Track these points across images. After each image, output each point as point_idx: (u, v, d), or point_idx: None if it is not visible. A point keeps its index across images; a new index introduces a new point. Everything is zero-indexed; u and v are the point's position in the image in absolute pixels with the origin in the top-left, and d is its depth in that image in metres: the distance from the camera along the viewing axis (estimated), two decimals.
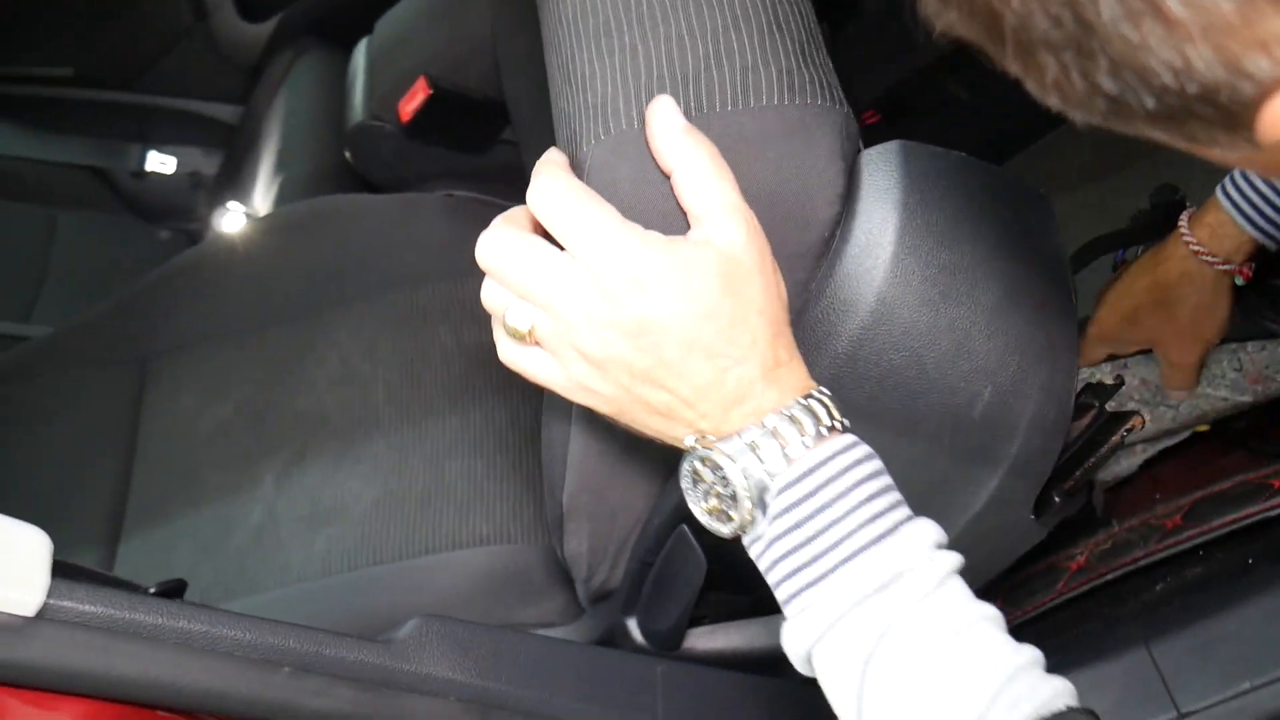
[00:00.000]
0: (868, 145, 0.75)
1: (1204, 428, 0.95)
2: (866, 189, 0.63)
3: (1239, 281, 0.83)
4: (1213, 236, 0.81)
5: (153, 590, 0.65)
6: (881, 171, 0.63)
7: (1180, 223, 0.83)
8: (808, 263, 0.65)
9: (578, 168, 0.64)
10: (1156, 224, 0.88)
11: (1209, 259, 0.81)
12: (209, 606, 0.64)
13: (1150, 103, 0.34)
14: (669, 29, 0.64)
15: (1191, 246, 0.82)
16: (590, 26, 0.67)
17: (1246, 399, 0.92)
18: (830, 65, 0.67)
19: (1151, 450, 0.96)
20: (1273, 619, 0.76)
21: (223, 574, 1.05)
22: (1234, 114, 0.33)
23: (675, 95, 0.63)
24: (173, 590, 0.67)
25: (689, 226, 0.59)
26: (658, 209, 0.63)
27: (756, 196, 0.63)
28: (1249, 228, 0.78)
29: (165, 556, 1.07)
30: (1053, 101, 0.36)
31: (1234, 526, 0.81)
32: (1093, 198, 1.14)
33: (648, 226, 0.64)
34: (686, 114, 0.62)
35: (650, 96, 0.63)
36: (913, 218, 0.62)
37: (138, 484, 1.13)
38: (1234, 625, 0.77)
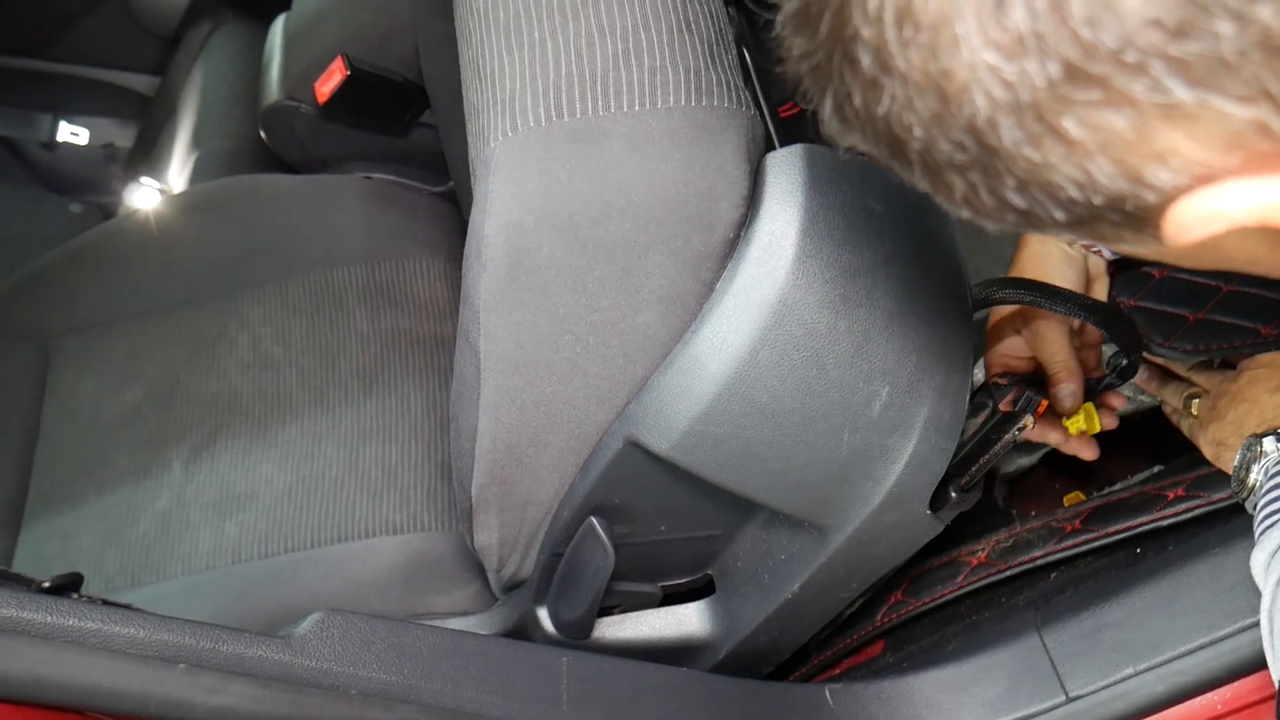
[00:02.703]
0: (787, 137, 0.76)
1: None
2: (770, 192, 0.64)
3: (1108, 254, 0.85)
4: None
5: (46, 585, 0.64)
6: (785, 175, 0.64)
7: None
8: (713, 264, 0.65)
9: (484, 164, 0.64)
10: None
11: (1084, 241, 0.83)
12: (102, 602, 0.63)
13: (1059, 215, 0.35)
14: (579, 26, 0.64)
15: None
16: (501, 21, 0.66)
17: (1146, 399, 0.95)
18: (738, 67, 0.68)
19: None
20: (1157, 608, 0.79)
21: (129, 562, 1.03)
22: (1139, 219, 0.34)
23: (583, 94, 0.63)
24: (67, 585, 0.66)
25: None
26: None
27: (662, 198, 0.63)
28: None
29: (68, 544, 1.05)
30: (964, 214, 0.37)
31: (1128, 534, 0.84)
32: None
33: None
34: (594, 113, 0.62)
35: (559, 94, 0.63)
36: (815, 221, 0.63)
37: (40, 469, 1.10)
38: (1121, 613, 0.80)
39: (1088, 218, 0.35)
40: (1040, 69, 0.31)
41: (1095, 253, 0.86)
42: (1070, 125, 0.32)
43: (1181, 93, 0.30)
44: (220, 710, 0.62)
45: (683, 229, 0.63)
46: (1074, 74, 0.31)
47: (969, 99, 0.32)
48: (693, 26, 0.65)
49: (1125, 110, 0.31)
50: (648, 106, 0.62)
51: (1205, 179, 0.32)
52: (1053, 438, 0.86)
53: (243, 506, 1.04)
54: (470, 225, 0.65)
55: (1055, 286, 0.82)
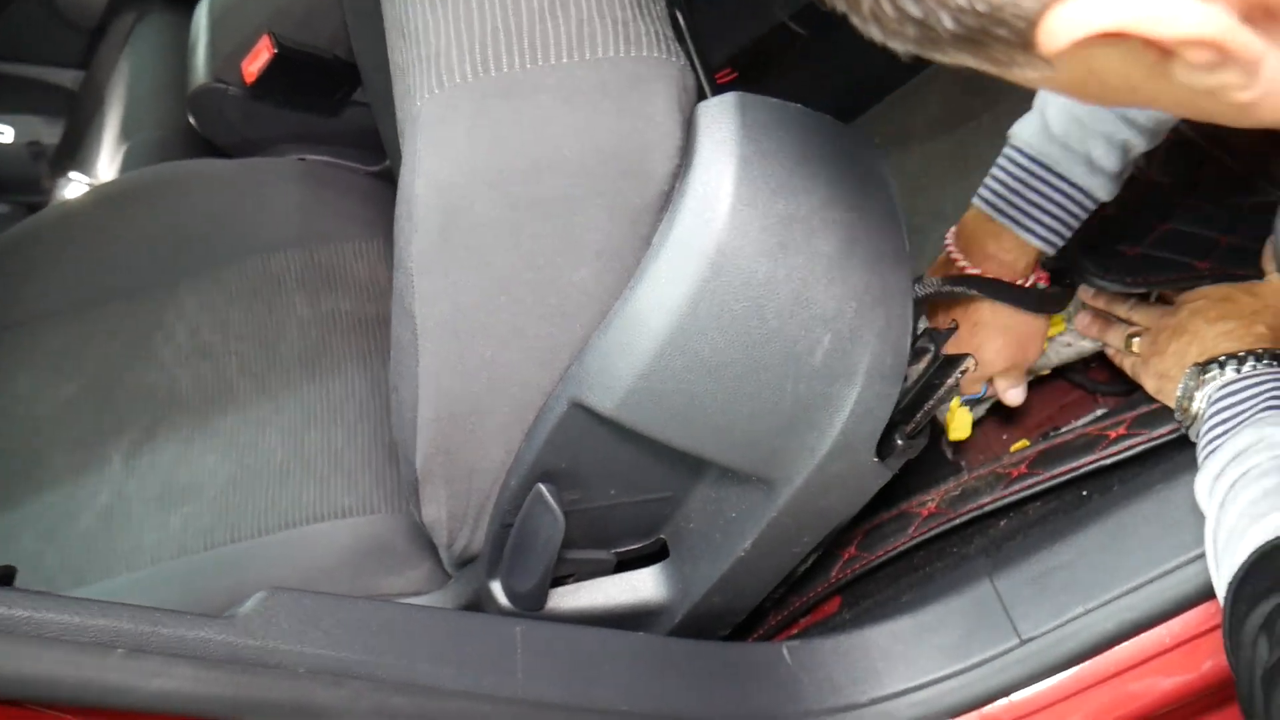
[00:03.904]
0: None
1: (1046, 372, 0.99)
2: (704, 142, 0.64)
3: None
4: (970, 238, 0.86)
5: None
6: (719, 124, 0.64)
7: (945, 242, 0.88)
8: (649, 217, 0.65)
9: (411, 122, 0.63)
10: None
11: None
12: (35, 591, 0.61)
13: (949, 23, 0.36)
14: None
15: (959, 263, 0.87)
16: None
17: (1088, 345, 0.96)
18: (666, 17, 0.67)
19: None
20: (1104, 548, 0.80)
21: (70, 560, 1.00)
22: (1023, 32, 0.36)
23: (510, 48, 0.62)
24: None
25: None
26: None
27: (594, 150, 0.62)
28: (1001, 218, 0.84)
29: (6, 545, 1.02)
30: (874, 32, 0.39)
31: (1073, 475, 0.85)
32: (942, 148, 1.17)
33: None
34: (521, 66, 0.61)
35: (485, 49, 0.62)
36: (749, 169, 0.63)
37: None
38: (1069, 555, 0.81)
39: (978, 31, 0.36)
40: None
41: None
42: None
43: None
44: (163, 694, 0.60)
45: (617, 182, 0.63)
46: None
47: None
48: None
49: None
50: (575, 58, 0.61)
51: None
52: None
53: (186, 499, 1.02)
54: (400, 186, 0.64)
55: (992, 279, 0.86)
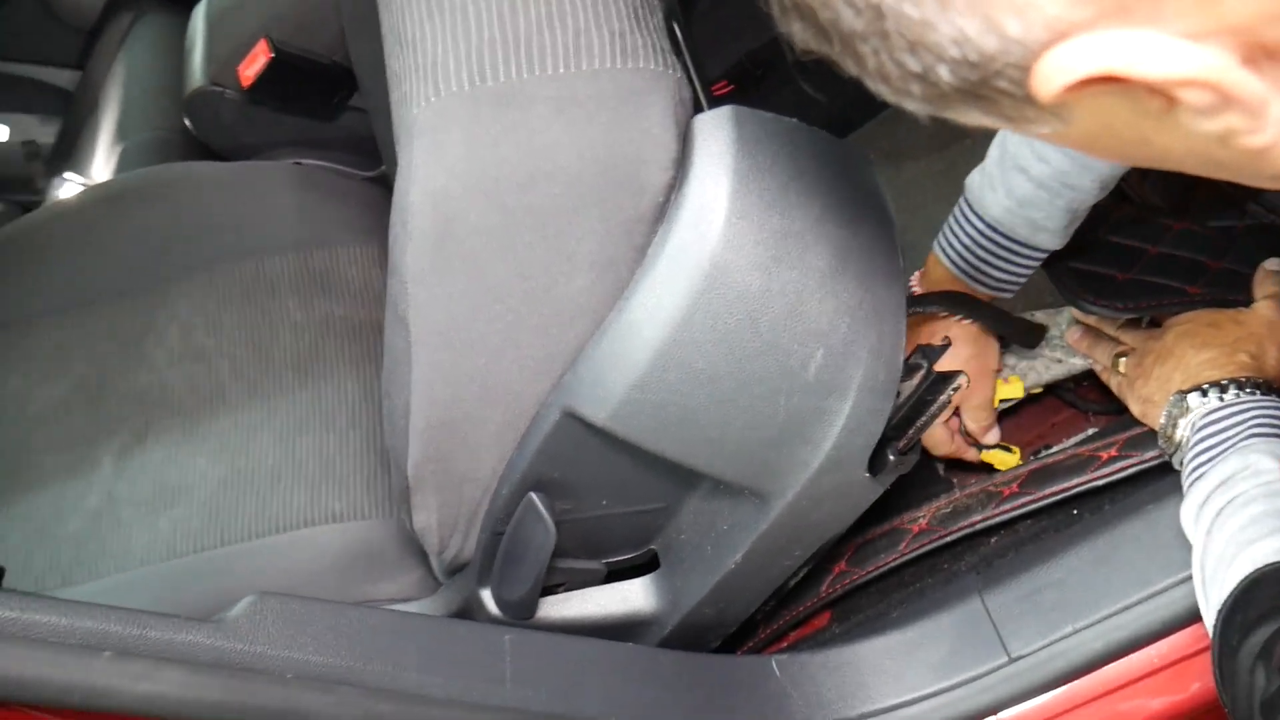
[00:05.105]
0: None
1: (1038, 389, 1.00)
2: (699, 155, 0.64)
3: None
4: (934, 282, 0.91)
5: None
6: (714, 137, 0.64)
7: (910, 283, 0.93)
8: (644, 228, 0.65)
9: (407, 130, 0.63)
10: None
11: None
12: (23, 592, 0.61)
13: (948, 76, 0.36)
14: None
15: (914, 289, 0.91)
16: None
17: (1078, 362, 0.96)
18: (664, 30, 0.67)
19: None
20: (1094, 566, 0.80)
21: (58, 561, 1.00)
22: (1022, 82, 0.35)
23: (507, 58, 0.62)
24: None
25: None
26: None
27: (590, 161, 0.62)
28: (955, 270, 0.88)
29: None
30: (884, 91, 0.39)
31: (1064, 495, 0.86)
32: (936, 165, 1.18)
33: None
34: (518, 76, 0.61)
35: (482, 58, 0.62)
36: (744, 183, 0.63)
37: None
38: (1059, 573, 0.81)
39: (979, 84, 0.36)
40: None
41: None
42: None
43: None
44: (150, 697, 0.60)
45: (611, 193, 0.63)
46: None
47: None
48: None
49: None
50: (572, 69, 0.61)
51: (1062, 33, 0.33)
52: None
53: (176, 501, 1.02)
54: (395, 194, 0.64)
55: (980, 301, 0.89)
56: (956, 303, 0.88)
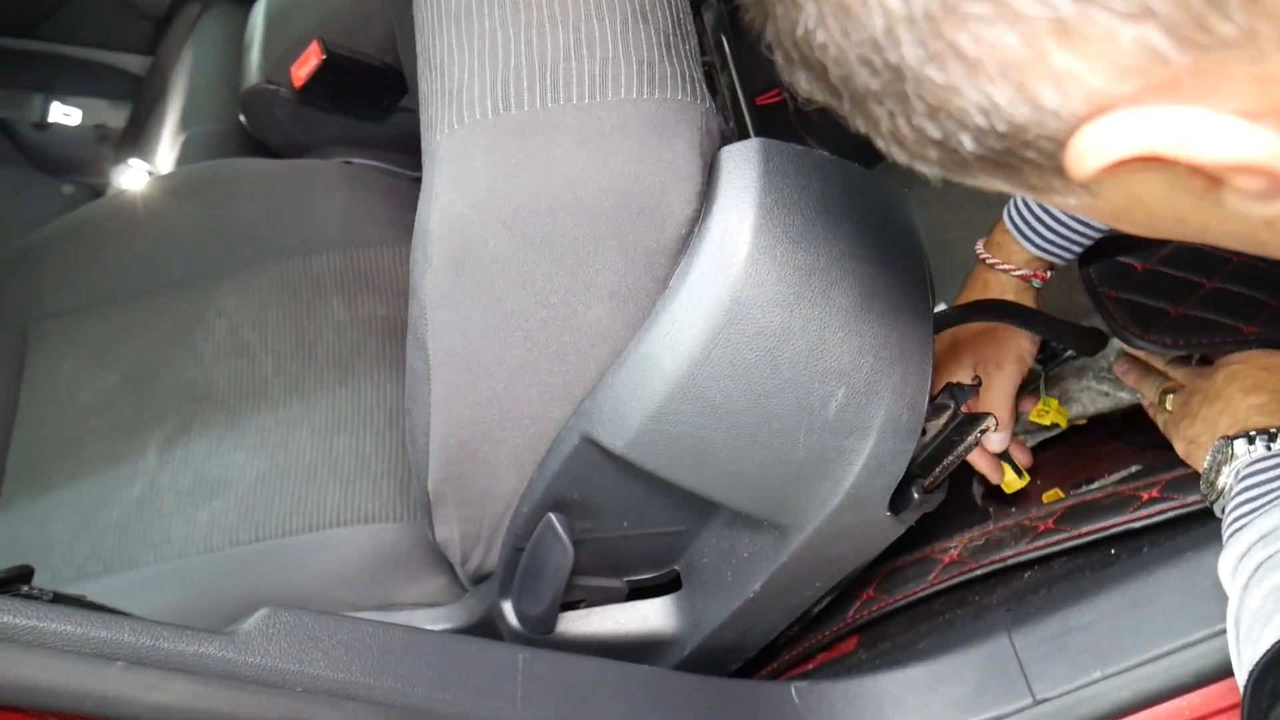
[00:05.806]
0: (764, 126, 0.74)
1: (1082, 421, 0.97)
2: (724, 187, 0.63)
3: (1036, 285, 0.88)
4: (1005, 253, 0.87)
5: None
6: (740, 170, 0.63)
7: (976, 248, 0.89)
8: (665, 260, 0.64)
9: (430, 156, 0.63)
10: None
11: (1004, 268, 0.87)
12: (54, 595, 0.62)
13: (970, 144, 0.34)
14: (529, 15, 0.63)
15: (987, 260, 0.87)
16: (451, 8, 0.65)
17: (1125, 396, 0.93)
18: (696, 56, 0.66)
19: (1031, 441, 0.97)
20: (1127, 611, 0.78)
21: (100, 547, 1.02)
22: (1052, 154, 0.33)
23: (532, 86, 0.61)
24: (14, 578, 0.66)
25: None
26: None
27: (611, 192, 0.62)
28: (1030, 248, 0.85)
29: (42, 529, 1.04)
30: (897, 154, 0.37)
31: (1100, 535, 0.83)
32: (976, 197, 1.14)
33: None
34: (542, 105, 0.61)
35: (507, 86, 0.62)
36: (769, 218, 0.62)
37: (15, 453, 1.10)
38: (1091, 616, 0.79)
39: (1003, 153, 0.34)
40: None
41: (1037, 276, 0.88)
42: (966, 42, 0.31)
43: (1065, 6, 0.30)
44: (160, 708, 0.61)
45: (633, 224, 0.62)
46: None
47: (868, 11, 0.32)
48: (647, 16, 0.63)
49: (1016, 26, 0.31)
50: (597, 99, 0.61)
51: (1103, 107, 0.31)
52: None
53: (215, 494, 1.04)
54: (416, 219, 0.64)
55: (1029, 308, 0.86)
56: (1006, 312, 0.85)
